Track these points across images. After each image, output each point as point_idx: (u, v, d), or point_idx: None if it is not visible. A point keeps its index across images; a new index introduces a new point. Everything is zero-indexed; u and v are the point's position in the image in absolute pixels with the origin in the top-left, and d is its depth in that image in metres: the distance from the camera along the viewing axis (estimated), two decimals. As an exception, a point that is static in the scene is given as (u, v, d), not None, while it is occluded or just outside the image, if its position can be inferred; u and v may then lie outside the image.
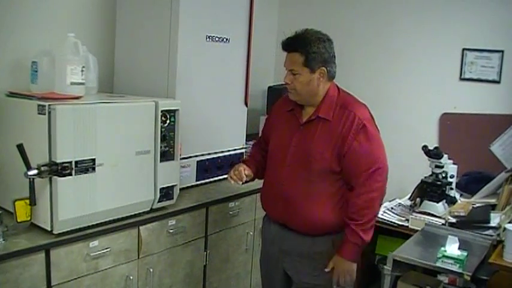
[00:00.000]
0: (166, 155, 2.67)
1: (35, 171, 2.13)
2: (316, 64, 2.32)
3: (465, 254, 2.41)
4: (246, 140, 3.55)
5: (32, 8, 2.86)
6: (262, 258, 2.74)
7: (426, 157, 3.20)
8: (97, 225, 2.40)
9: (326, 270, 2.40)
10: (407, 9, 3.97)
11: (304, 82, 2.34)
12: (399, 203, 3.42)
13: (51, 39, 2.69)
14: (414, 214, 3.11)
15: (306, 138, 2.40)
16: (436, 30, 3.86)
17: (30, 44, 2.78)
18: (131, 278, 2.57)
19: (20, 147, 2.13)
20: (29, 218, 2.24)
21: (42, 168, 2.14)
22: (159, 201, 2.68)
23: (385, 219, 3.15)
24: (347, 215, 2.35)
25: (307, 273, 2.48)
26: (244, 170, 2.54)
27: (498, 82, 3.68)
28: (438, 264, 2.43)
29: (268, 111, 2.69)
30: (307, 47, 2.30)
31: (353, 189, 2.35)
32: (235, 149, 3.44)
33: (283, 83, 2.42)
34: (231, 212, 3.16)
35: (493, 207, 3.18)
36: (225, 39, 3.17)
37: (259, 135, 2.75)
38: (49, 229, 2.24)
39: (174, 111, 2.67)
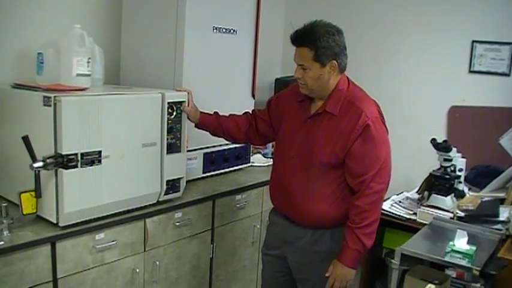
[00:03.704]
0: (173, 147, 2.65)
1: (40, 164, 2.12)
2: (326, 58, 2.27)
3: (474, 248, 2.38)
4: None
5: (38, -1, 2.86)
6: (264, 245, 2.72)
7: (435, 150, 3.17)
8: (103, 217, 2.39)
9: (326, 275, 2.38)
10: (417, 1, 3.93)
11: (314, 77, 2.30)
12: (407, 197, 3.40)
13: (57, 31, 2.67)
14: (422, 207, 3.09)
15: (311, 132, 2.37)
16: (446, 22, 3.82)
17: (36, 36, 2.77)
18: (137, 270, 2.56)
19: (26, 139, 2.12)
20: (34, 211, 2.23)
21: (48, 161, 2.13)
22: (165, 194, 2.66)
23: (392, 213, 3.13)
24: (348, 217, 2.33)
25: (308, 267, 2.47)
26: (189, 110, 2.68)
27: (508, 75, 3.64)
28: (447, 258, 2.40)
29: (277, 97, 2.67)
30: (316, 42, 2.24)
31: (354, 190, 2.33)
32: (242, 141, 3.41)
33: (291, 75, 2.40)
34: (237, 205, 3.15)
35: (502, 201, 3.15)
36: (232, 31, 3.14)
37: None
38: (55, 221, 2.23)
39: (181, 103, 2.65)
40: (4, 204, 2.17)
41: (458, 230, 2.49)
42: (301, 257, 2.48)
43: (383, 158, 2.30)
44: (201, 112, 2.72)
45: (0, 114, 2.51)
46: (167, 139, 2.60)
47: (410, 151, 3.83)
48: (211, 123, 2.72)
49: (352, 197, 2.33)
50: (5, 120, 2.48)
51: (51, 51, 2.58)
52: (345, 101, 2.33)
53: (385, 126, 2.38)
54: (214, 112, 2.76)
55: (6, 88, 2.48)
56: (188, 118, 2.70)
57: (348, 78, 2.41)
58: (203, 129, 2.75)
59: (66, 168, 2.17)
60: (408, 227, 3.04)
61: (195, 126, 2.74)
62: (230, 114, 2.76)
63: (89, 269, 2.35)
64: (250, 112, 2.78)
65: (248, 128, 2.71)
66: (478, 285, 2.55)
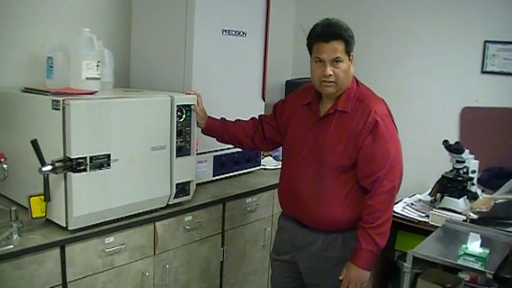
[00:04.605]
0: (183, 150, 2.64)
1: (49, 167, 2.12)
2: (351, 49, 2.28)
3: (487, 251, 2.35)
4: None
5: (47, 3, 2.87)
6: (273, 251, 2.70)
7: (447, 152, 3.14)
8: (112, 221, 2.39)
9: (340, 277, 2.36)
10: (428, 2, 3.90)
11: (346, 69, 2.27)
12: (419, 199, 3.36)
13: (67, 35, 2.67)
14: (434, 210, 3.05)
15: (322, 132, 2.35)
16: (457, 22, 3.78)
17: (46, 40, 2.78)
18: (147, 274, 2.55)
19: (34, 143, 2.12)
20: (44, 214, 2.23)
21: (57, 164, 2.13)
22: (175, 197, 2.65)
23: (404, 215, 3.10)
24: (361, 217, 2.31)
25: (320, 272, 2.45)
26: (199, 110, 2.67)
27: (521, 75, 3.61)
28: (459, 261, 2.37)
29: (283, 101, 2.67)
30: (346, 32, 2.25)
31: (366, 190, 2.31)
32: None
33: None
34: (248, 208, 3.14)
35: (516, 203, 3.11)
36: (241, 33, 3.14)
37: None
38: (64, 225, 2.23)
39: (190, 105, 2.64)
40: (14, 208, 2.17)
41: (471, 233, 2.46)
42: (313, 263, 2.46)
43: (393, 155, 2.28)
44: (208, 117, 2.71)
45: (10, 118, 2.53)
46: (176, 142, 2.59)
47: (423, 153, 3.79)
48: (218, 127, 2.70)
49: (365, 197, 2.32)
50: (15, 124, 2.49)
51: (60, 55, 2.60)
52: (354, 100, 2.32)
53: (394, 124, 2.36)
54: (221, 117, 2.75)
55: (16, 92, 2.49)
56: (196, 123, 2.69)
57: (355, 78, 2.40)
58: (210, 135, 2.75)
59: (75, 172, 2.16)
60: (420, 230, 3.00)
61: (202, 132, 2.73)
62: (236, 120, 2.75)
63: (98, 273, 2.35)
64: (257, 117, 2.77)
65: (254, 133, 2.69)
66: (492, 288, 2.52)
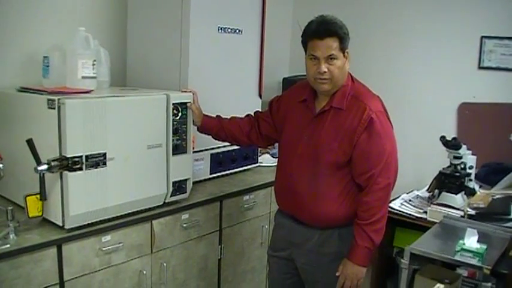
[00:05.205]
0: (179, 148, 2.64)
1: (45, 166, 2.11)
2: (346, 46, 2.27)
3: (484, 247, 2.35)
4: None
5: (43, 2, 2.87)
6: (270, 247, 2.70)
7: (444, 148, 3.14)
8: (109, 219, 2.39)
9: (337, 274, 2.36)
10: (425, -2, 3.91)
11: (341, 67, 2.26)
12: (417, 195, 3.37)
13: (63, 34, 2.69)
14: (432, 206, 3.05)
15: (317, 129, 2.35)
16: (454, 18, 3.78)
17: (42, 39, 2.79)
18: (144, 272, 2.55)
19: (30, 142, 2.12)
20: (40, 213, 2.23)
21: (53, 163, 2.12)
22: (172, 195, 2.65)
23: (402, 211, 3.10)
24: (356, 214, 2.31)
25: (317, 269, 2.45)
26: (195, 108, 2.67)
27: (518, 70, 3.60)
28: (457, 257, 2.37)
29: (279, 98, 2.66)
30: (341, 29, 2.23)
31: (362, 186, 2.31)
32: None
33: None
34: (245, 206, 3.13)
35: (514, 198, 3.11)
36: (237, 31, 3.13)
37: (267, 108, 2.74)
38: (61, 224, 2.23)
39: (186, 103, 2.64)
40: (10, 208, 2.17)
41: (468, 229, 2.45)
42: (309, 259, 2.46)
43: (388, 151, 2.28)
44: (204, 115, 2.71)
45: (6, 117, 2.52)
46: (173, 140, 2.59)
47: (420, 149, 3.79)
48: (214, 125, 2.70)
49: (360, 194, 2.32)
50: (12, 123, 2.49)
51: (56, 54, 2.60)
52: (350, 97, 2.31)
53: (390, 121, 2.36)
54: (217, 115, 2.75)
55: (12, 92, 2.49)
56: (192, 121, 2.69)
57: (351, 74, 2.39)
58: (206, 133, 2.74)
59: (71, 171, 2.16)
60: (419, 226, 3.01)
61: (198, 130, 2.73)
62: (232, 117, 2.75)
63: (95, 272, 2.35)
64: (253, 114, 2.76)
65: (250, 130, 2.69)
66: (489, 284, 2.52)
